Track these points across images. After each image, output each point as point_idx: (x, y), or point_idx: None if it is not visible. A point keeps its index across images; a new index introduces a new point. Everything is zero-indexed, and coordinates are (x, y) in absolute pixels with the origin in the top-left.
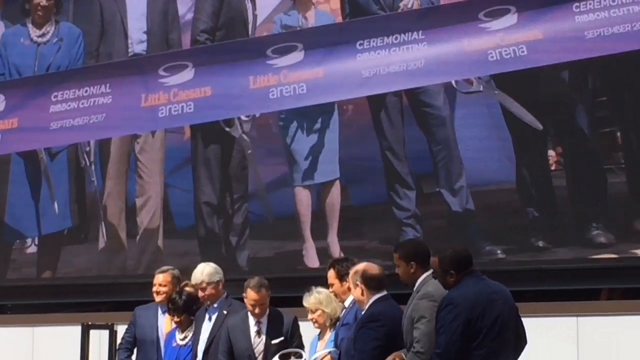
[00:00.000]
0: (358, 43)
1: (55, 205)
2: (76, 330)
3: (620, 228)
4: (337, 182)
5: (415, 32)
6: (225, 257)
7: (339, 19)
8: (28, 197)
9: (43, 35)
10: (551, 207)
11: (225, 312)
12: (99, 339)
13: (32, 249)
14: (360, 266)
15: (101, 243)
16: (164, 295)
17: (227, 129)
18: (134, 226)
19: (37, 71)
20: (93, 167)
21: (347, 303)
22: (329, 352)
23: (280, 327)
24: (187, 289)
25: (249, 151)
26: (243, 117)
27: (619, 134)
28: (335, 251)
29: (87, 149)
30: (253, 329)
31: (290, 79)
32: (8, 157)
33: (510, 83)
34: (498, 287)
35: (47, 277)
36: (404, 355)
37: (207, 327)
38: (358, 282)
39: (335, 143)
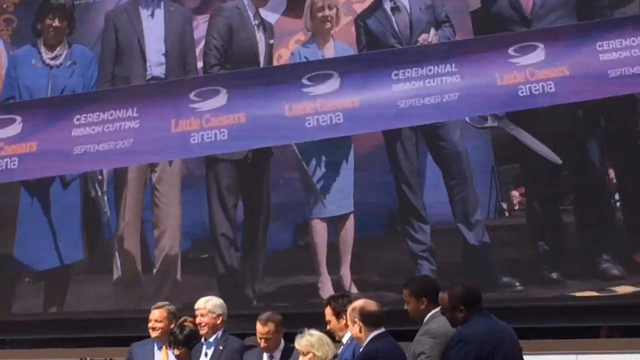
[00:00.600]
0: (393, 73)
1: (64, 236)
2: None
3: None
4: (352, 215)
5: (448, 65)
6: (243, 292)
7: (356, 51)
8: (37, 228)
9: (55, 57)
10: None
11: (221, 347)
12: None
13: (39, 282)
14: (358, 303)
15: (115, 274)
16: (160, 331)
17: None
18: (150, 258)
19: (50, 94)
20: (106, 197)
21: (344, 340)
22: None
23: None
24: (187, 324)
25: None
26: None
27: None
28: (347, 285)
29: (100, 177)
30: None
31: (327, 108)
32: (17, 185)
33: (522, 116)
34: (504, 325)
35: (53, 312)
36: None
37: None
38: (356, 319)
39: (351, 176)
